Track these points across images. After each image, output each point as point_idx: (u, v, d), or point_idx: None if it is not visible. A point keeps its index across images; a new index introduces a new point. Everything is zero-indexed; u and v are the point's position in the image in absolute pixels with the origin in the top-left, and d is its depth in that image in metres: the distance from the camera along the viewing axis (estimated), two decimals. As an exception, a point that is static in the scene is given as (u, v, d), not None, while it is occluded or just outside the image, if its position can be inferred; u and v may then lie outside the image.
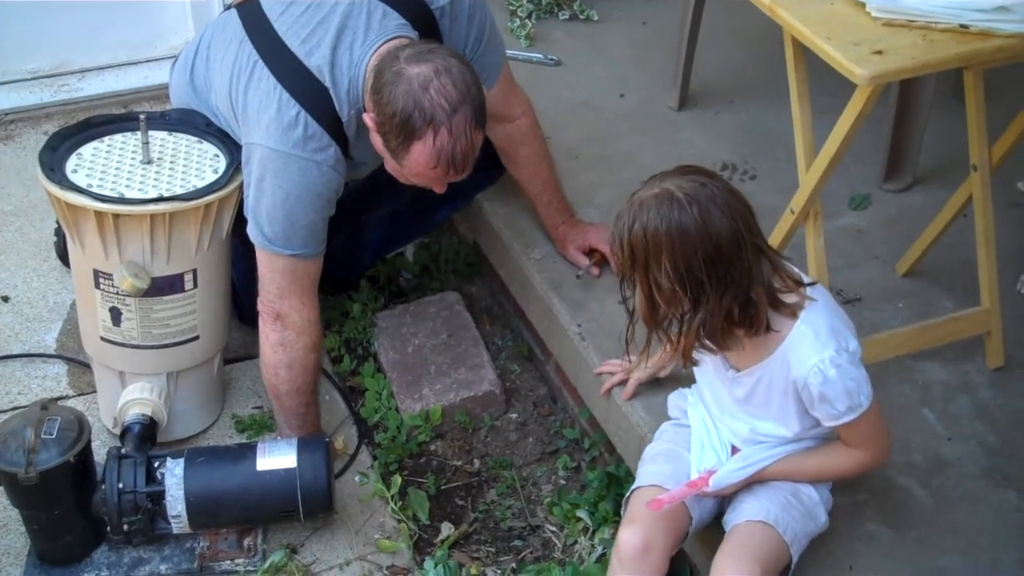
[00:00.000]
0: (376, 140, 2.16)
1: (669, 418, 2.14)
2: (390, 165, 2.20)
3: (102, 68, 3.48)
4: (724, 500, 2.01)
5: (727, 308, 1.77)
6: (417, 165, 2.12)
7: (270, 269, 2.24)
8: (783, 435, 1.93)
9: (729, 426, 1.99)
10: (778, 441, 1.95)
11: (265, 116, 2.17)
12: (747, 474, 1.94)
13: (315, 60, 2.18)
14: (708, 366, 1.98)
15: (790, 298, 1.82)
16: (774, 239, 2.21)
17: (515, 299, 2.75)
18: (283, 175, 2.17)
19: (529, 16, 3.42)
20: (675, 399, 2.14)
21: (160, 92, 3.43)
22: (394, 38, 2.18)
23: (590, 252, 2.58)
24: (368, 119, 2.14)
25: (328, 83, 2.17)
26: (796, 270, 1.88)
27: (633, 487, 2.01)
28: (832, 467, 1.95)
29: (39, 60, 3.43)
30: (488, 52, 2.39)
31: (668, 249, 1.74)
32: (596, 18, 3.46)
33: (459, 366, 2.64)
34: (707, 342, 1.82)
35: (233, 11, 2.35)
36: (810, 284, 1.86)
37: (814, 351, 1.81)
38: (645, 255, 1.76)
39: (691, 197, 1.74)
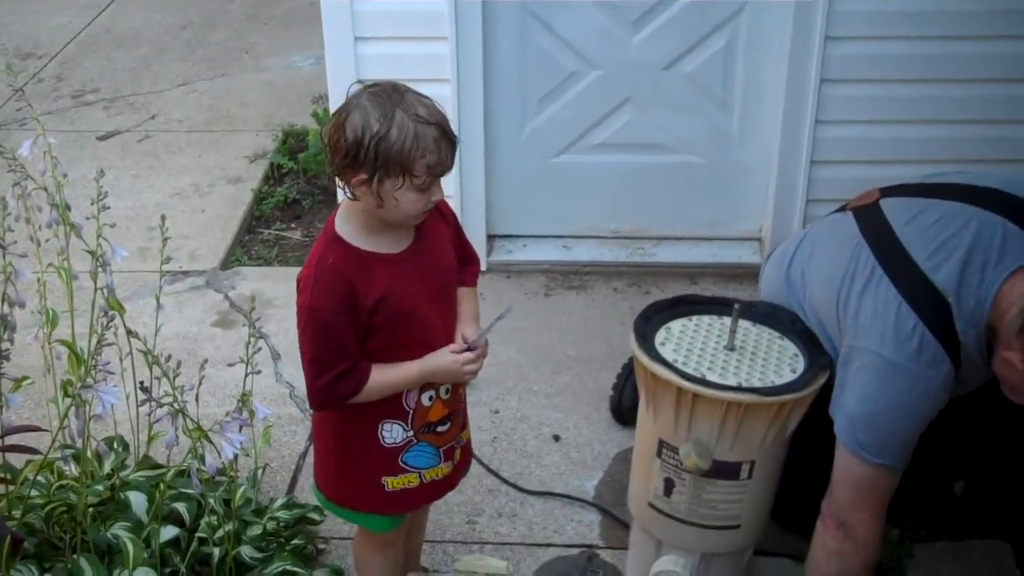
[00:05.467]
0: (1008, 373, 2.09)
1: None
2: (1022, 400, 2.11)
3: (676, 239, 3.69)
4: None
5: None
6: None
7: (849, 476, 2.21)
8: None
9: None
10: None
11: (880, 324, 2.17)
12: None
13: (941, 275, 2.15)
14: None
15: None
16: None
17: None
18: (891, 385, 2.15)
19: None
20: None
21: (724, 270, 3.59)
22: None
23: None
24: (1012, 358, 2.07)
25: (951, 299, 2.14)
26: None
27: None
28: None
29: (622, 222, 3.71)
30: None
31: None
32: None
33: (996, 625, 2.44)
34: None
35: (848, 214, 2.39)
36: None
37: None
38: None
39: None
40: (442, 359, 2.05)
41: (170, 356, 2.20)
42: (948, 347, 2.14)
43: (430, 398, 2.11)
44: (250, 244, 4.01)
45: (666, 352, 2.31)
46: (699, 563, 2.38)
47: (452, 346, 2.07)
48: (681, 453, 2.26)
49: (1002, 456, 2.64)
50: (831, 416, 2.23)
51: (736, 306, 2.34)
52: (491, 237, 3.72)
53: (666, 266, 3.63)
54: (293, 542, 2.53)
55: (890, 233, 2.26)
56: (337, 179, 1.98)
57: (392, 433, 2.10)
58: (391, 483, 2.13)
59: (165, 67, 5.47)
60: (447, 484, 2.23)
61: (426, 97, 1.94)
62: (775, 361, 2.32)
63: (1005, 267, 2.12)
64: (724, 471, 2.28)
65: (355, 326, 1.99)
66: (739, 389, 2.22)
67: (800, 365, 2.31)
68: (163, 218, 2.61)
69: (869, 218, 2.33)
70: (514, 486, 2.82)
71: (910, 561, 2.58)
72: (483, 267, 3.64)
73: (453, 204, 3.51)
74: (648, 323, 2.39)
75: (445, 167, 1.94)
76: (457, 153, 3.40)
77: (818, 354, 2.31)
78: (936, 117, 3.36)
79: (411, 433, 2.11)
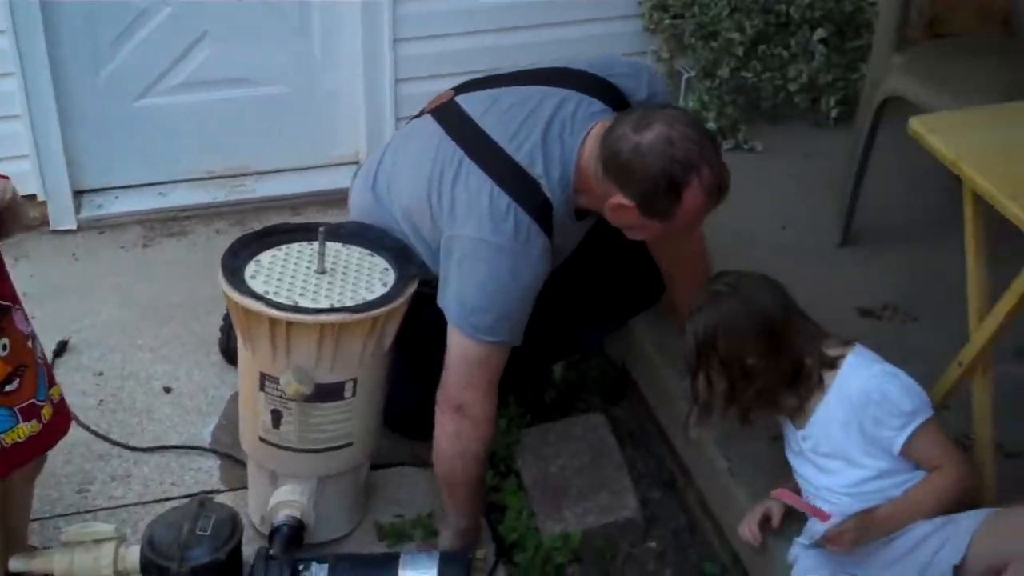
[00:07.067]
0: (625, 218, 2.21)
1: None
2: (652, 229, 2.24)
3: (275, 172, 3.64)
4: None
5: (784, 372, 2.04)
6: (691, 211, 2.17)
7: (464, 359, 2.28)
8: (860, 477, 2.02)
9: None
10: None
11: (476, 209, 2.23)
12: (853, 509, 1.99)
13: (524, 153, 2.25)
14: (792, 455, 2.16)
15: (835, 351, 2.07)
16: (937, 390, 2.15)
17: (662, 426, 2.73)
18: (495, 266, 2.23)
19: (691, 144, 3.45)
20: (794, 549, 2.15)
21: (328, 197, 3.58)
22: (600, 123, 2.25)
23: None
24: (617, 202, 2.19)
25: (539, 173, 2.24)
26: (837, 336, 2.11)
27: None
28: (929, 494, 1.99)
29: (216, 161, 3.60)
30: None
31: (727, 335, 2.03)
32: (760, 149, 3.48)
33: (601, 490, 2.62)
34: (768, 407, 2.11)
35: (426, 116, 2.44)
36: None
37: (865, 369, 2.03)
38: (711, 348, 2.05)
39: (734, 287, 2.08)
40: None
41: None
42: (541, 221, 2.24)
43: None
44: None
45: (257, 285, 2.29)
46: (316, 487, 2.40)
47: None
48: (282, 382, 2.25)
49: (591, 335, 2.83)
50: (441, 308, 2.30)
51: (321, 229, 2.35)
52: (79, 193, 3.51)
53: (267, 200, 3.57)
54: None
55: (471, 124, 2.33)
56: None
57: None
58: None
59: None
60: (39, 444, 2.12)
61: None
62: (366, 278, 2.35)
63: (580, 131, 2.24)
64: (328, 393, 2.30)
65: None
66: (331, 310, 2.23)
67: (391, 278, 2.36)
68: None
69: (448, 115, 2.39)
70: (125, 446, 2.71)
71: (518, 447, 2.72)
72: (73, 225, 3.44)
73: (29, 165, 3.30)
74: (236, 258, 2.36)
75: None
76: (25, 107, 3.25)
77: (407, 265, 2.37)
78: (506, 25, 3.48)
79: None
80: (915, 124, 2.06)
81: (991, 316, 2.03)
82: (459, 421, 2.32)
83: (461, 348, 2.29)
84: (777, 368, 2.04)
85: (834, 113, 3.60)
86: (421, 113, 2.53)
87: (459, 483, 2.40)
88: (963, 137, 2.01)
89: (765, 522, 2.22)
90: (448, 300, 2.29)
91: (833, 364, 2.05)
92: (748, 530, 2.23)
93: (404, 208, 2.42)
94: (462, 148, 2.30)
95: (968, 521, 1.93)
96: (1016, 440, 2.43)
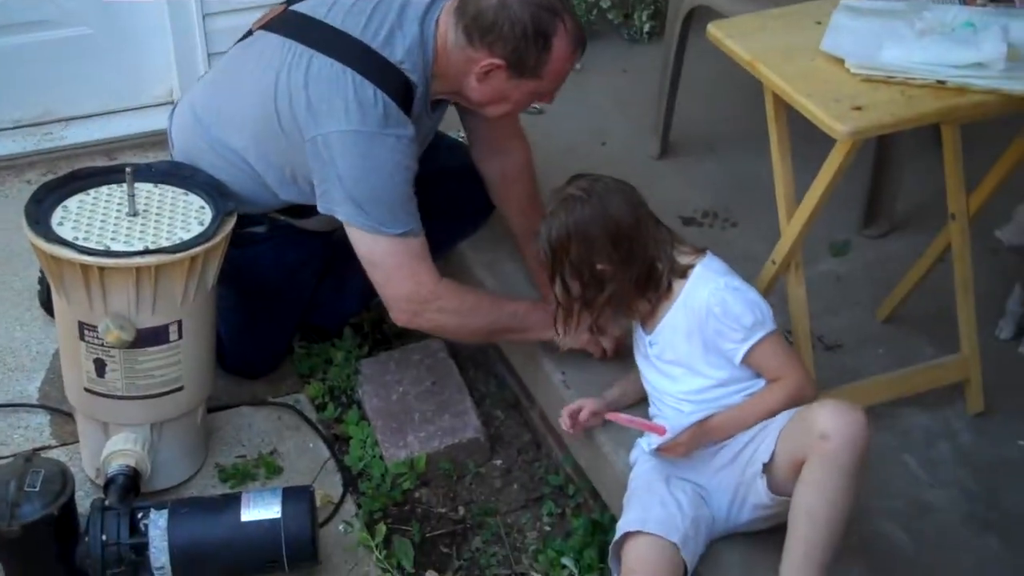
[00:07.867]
0: (495, 85, 2.23)
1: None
2: (520, 93, 2.26)
3: (86, 117, 3.49)
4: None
5: (635, 278, 2.04)
6: (559, 60, 2.24)
7: (386, 257, 2.26)
8: (701, 385, 2.07)
9: (670, 418, 2.09)
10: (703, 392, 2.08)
11: (339, 100, 2.18)
12: (688, 422, 2.03)
13: (381, 40, 2.22)
14: (640, 358, 2.19)
15: (687, 259, 2.08)
16: (756, 289, 2.23)
17: (499, 346, 2.76)
18: (374, 154, 2.18)
19: (511, 64, 3.45)
20: (634, 452, 2.21)
21: (143, 140, 3.47)
22: (448, 3, 2.26)
23: None
24: (487, 64, 2.19)
25: (400, 59, 2.21)
26: (690, 244, 2.14)
27: (620, 533, 2.03)
28: (764, 403, 2.03)
29: (22, 109, 3.44)
30: None
31: (578, 239, 2.02)
32: (578, 67, 3.48)
33: (443, 413, 2.64)
34: (621, 312, 2.14)
35: (258, 33, 2.38)
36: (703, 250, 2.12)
37: (710, 281, 2.04)
38: (563, 253, 2.04)
39: (587, 191, 2.05)
40: None
41: None
42: (404, 107, 2.22)
43: None
44: None
45: (65, 231, 2.21)
46: (151, 434, 2.35)
47: None
48: (100, 330, 2.19)
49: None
50: (330, 212, 2.25)
51: (128, 170, 2.27)
52: None
53: (81, 147, 3.43)
54: None
55: (315, 23, 2.28)
56: None
57: None
58: None
59: None
60: None
61: None
62: (181, 217, 2.29)
63: (432, 14, 2.24)
64: (152, 337, 2.24)
65: None
66: (146, 252, 2.17)
67: (207, 216, 2.30)
68: None
69: (286, 23, 2.33)
70: (-54, 410, 2.60)
71: (358, 377, 2.72)
72: None
73: None
74: (41, 205, 2.27)
75: None
76: None
77: (223, 201, 2.32)
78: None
79: None
80: (713, 29, 2.11)
81: (798, 213, 2.11)
82: (429, 314, 2.32)
83: (380, 247, 2.24)
84: (628, 273, 2.05)
85: (647, 28, 3.66)
86: (248, 33, 2.46)
87: (498, 329, 2.43)
88: (759, 39, 2.07)
89: (580, 414, 2.29)
90: (334, 204, 2.24)
91: (683, 273, 2.07)
92: (565, 420, 2.31)
93: (242, 128, 2.34)
94: (310, 46, 2.24)
95: (780, 421, 2.00)
96: (835, 333, 2.56)
